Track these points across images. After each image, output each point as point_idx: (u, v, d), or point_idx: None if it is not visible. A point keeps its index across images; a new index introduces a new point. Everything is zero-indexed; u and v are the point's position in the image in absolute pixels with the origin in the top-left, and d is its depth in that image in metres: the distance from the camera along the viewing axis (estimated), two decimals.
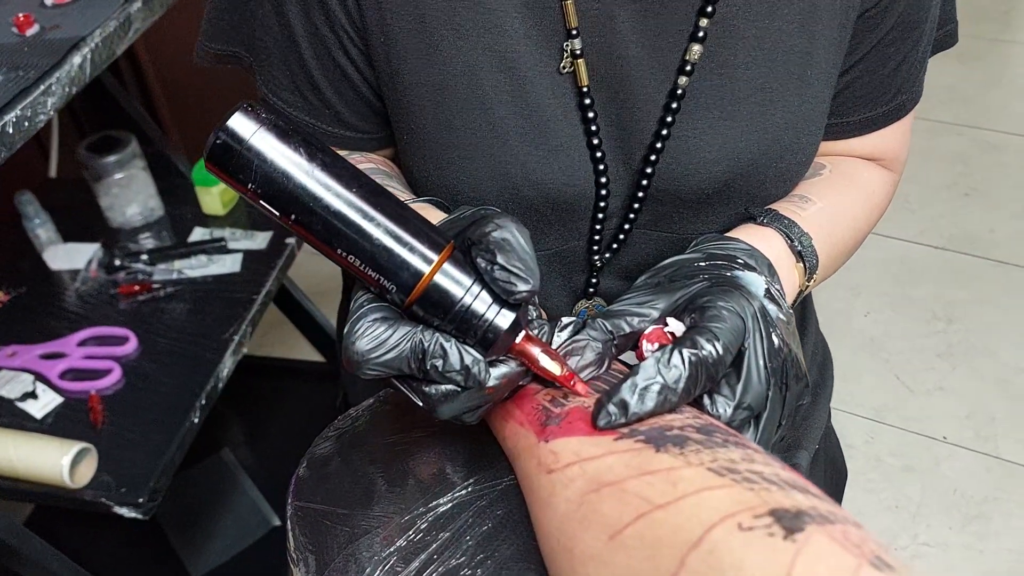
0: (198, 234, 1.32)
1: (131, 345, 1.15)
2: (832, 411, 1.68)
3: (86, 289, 1.24)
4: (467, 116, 0.60)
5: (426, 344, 0.43)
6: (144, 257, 1.26)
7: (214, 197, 1.33)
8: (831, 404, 1.67)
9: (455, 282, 0.43)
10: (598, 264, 0.67)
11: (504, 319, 0.44)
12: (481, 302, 0.44)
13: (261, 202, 0.42)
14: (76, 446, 0.99)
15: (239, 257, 1.28)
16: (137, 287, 1.23)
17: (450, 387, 0.44)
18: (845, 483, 0.94)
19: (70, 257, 1.28)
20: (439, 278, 0.43)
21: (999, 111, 2.42)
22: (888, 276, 1.96)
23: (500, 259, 0.43)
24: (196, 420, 1.09)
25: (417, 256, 0.43)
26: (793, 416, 0.50)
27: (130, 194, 1.30)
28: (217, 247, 1.28)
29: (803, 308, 0.86)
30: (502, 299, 0.44)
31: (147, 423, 1.07)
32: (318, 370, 1.70)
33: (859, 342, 1.81)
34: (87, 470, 1.01)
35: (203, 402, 1.10)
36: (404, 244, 0.43)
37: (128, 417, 1.08)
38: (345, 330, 0.44)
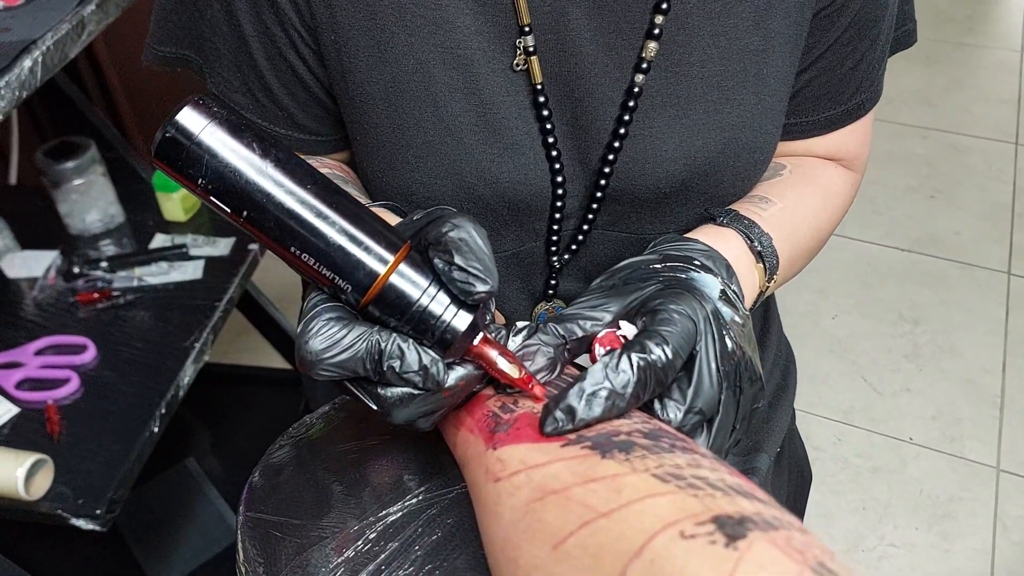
0: (159, 241, 1.30)
1: (90, 354, 1.13)
2: (799, 413, 1.69)
3: (44, 297, 1.22)
4: (420, 114, 0.59)
5: (383, 344, 0.42)
6: (104, 264, 1.24)
7: (175, 203, 1.31)
8: (798, 407, 1.68)
9: (411, 283, 0.43)
10: (557, 265, 0.67)
11: (462, 320, 0.43)
12: (438, 303, 0.43)
13: (211, 199, 0.41)
14: (31, 457, 0.96)
15: (201, 264, 1.26)
16: (96, 295, 1.21)
17: (406, 390, 0.44)
18: (810, 486, 0.94)
19: (28, 265, 1.25)
20: (395, 279, 0.42)
21: (963, 114, 2.45)
22: (855, 278, 1.97)
23: (458, 259, 0.42)
24: (156, 429, 1.07)
25: (373, 256, 0.42)
26: (749, 419, 0.50)
27: (89, 200, 1.28)
28: (178, 254, 1.26)
29: (765, 311, 0.86)
30: (459, 301, 0.43)
31: (106, 433, 1.05)
32: (285, 377, 1.68)
33: (826, 344, 1.82)
34: (43, 482, 0.99)
35: (163, 411, 1.08)
36: (359, 244, 0.42)
37: (86, 427, 1.06)
38: (298, 330, 0.43)
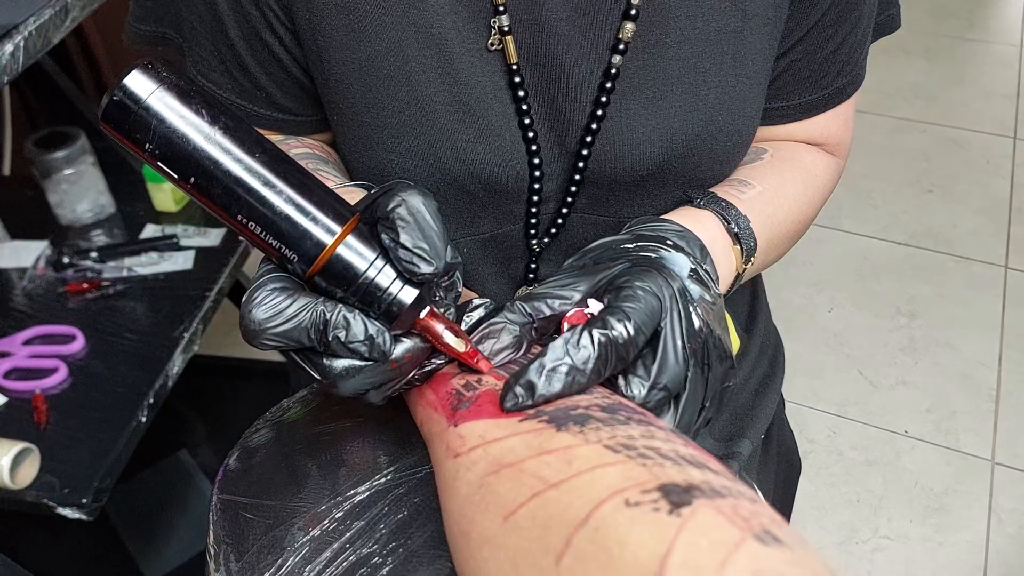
0: (150, 231, 1.30)
1: (78, 344, 1.13)
2: (794, 406, 1.69)
3: (33, 287, 1.22)
4: (394, 94, 0.58)
5: (328, 315, 0.42)
6: (93, 254, 1.23)
7: (166, 194, 1.31)
8: (792, 399, 1.68)
9: (358, 255, 0.42)
10: (537, 249, 0.66)
11: (408, 294, 0.43)
12: (385, 276, 0.43)
13: (159, 164, 0.41)
14: (17, 446, 0.96)
15: (191, 254, 1.26)
16: (86, 285, 1.21)
17: (352, 361, 0.43)
18: (799, 476, 0.93)
19: (17, 255, 1.25)
20: (342, 250, 0.42)
21: (962, 108, 2.44)
22: (851, 271, 1.96)
23: (403, 239, 0.42)
24: (144, 419, 1.07)
25: (320, 227, 0.42)
26: (719, 398, 0.49)
27: (80, 190, 1.28)
28: (169, 244, 1.26)
29: (753, 300, 0.85)
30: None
31: (93, 422, 1.05)
32: (279, 369, 1.68)
33: (822, 337, 1.81)
34: (29, 471, 0.99)
35: (151, 401, 1.08)
36: (307, 214, 0.42)
37: (73, 417, 1.06)
38: (243, 299, 0.43)
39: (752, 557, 0.26)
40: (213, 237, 1.29)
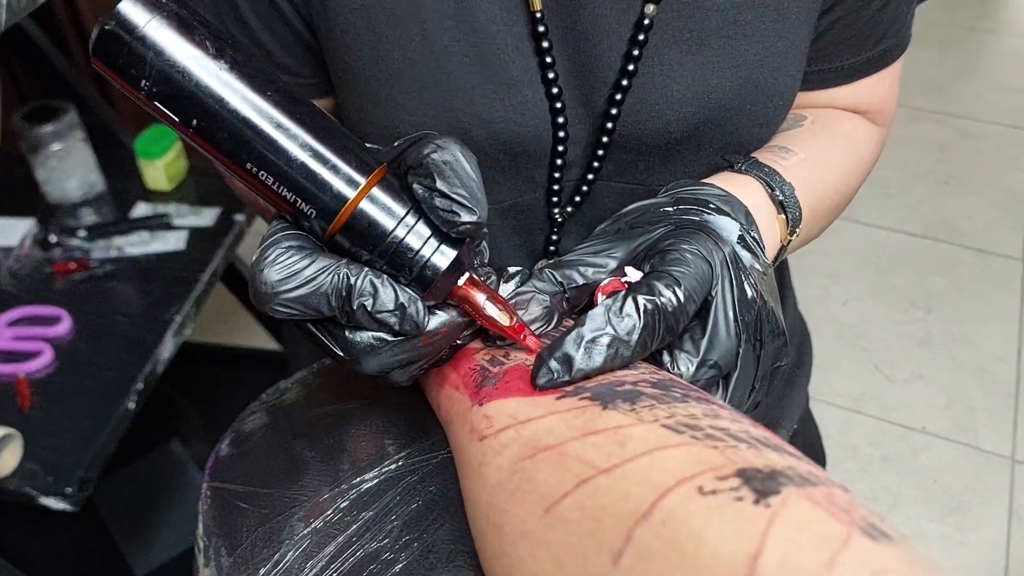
0: (141, 210, 1.25)
1: (64, 325, 1.08)
2: (810, 399, 1.64)
3: (19, 267, 1.16)
4: (407, 45, 0.53)
5: (353, 279, 0.36)
6: (82, 233, 1.18)
7: (159, 171, 1.26)
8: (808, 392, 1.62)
9: (386, 211, 0.37)
10: (559, 220, 0.61)
11: (444, 256, 0.37)
12: (416, 236, 0.37)
13: (156, 104, 0.35)
14: None
15: (184, 234, 1.21)
16: (73, 265, 1.15)
17: (379, 334, 0.38)
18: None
19: (3, 233, 1.20)
20: (366, 204, 0.37)
21: (976, 99, 2.40)
22: (867, 264, 1.92)
23: (440, 185, 0.36)
24: (132, 405, 1.01)
25: (341, 177, 0.36)
26: (770, 379, 0.44)
27: (68, 167, 1.23)
28: (160, 223, 1.21)
29: (781, 283, 0.80)
30: (442, 234, 0.37)
31: (79, 408, 1.00)
32: (277, 358, 1.63)
33: (837, 330, 1.76)
34: (11, 458, 0.94)
35: (140, 386, 1.03)
36: (326, 162, 0.36)
37: (59, 402, 1.00)
38: (254, 258, 0.37)
39: (864, 555, 0.21)
40: (207, 217, 1.24)
